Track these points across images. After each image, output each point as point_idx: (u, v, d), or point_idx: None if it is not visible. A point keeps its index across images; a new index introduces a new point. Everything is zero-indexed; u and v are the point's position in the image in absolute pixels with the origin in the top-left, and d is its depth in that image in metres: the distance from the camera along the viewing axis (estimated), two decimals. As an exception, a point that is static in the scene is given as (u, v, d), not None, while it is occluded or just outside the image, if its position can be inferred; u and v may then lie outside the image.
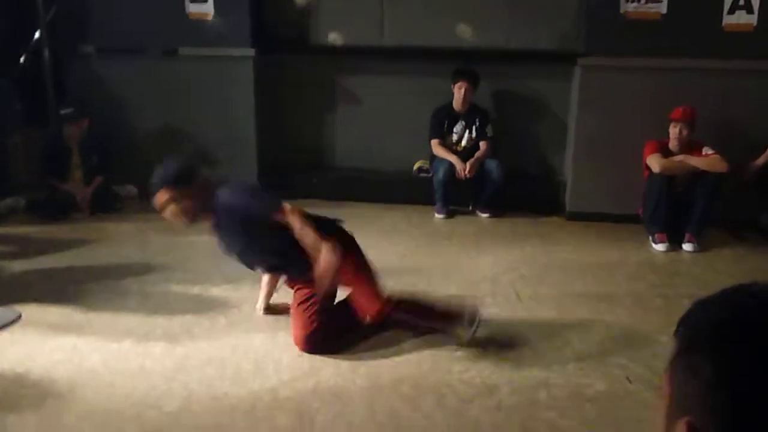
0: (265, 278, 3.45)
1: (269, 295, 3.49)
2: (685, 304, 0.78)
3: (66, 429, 2.50)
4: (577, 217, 5.34)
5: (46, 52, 5.81)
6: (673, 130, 4.80)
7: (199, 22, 5.61)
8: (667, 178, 4.72)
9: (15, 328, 3.27)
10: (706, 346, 0.76)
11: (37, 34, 5.82)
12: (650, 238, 4.81)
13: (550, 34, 5.56)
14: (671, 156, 4.79)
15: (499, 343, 3.23)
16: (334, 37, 5.59)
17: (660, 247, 4.70)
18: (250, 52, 5.60)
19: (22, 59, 5.89)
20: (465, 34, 5.51)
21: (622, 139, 5.15)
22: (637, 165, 4.95)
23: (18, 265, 4.17)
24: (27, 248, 4.52)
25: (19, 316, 0.78)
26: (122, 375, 2.88)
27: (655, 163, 4.76)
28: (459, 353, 3.10)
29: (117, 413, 2.59)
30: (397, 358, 3.05)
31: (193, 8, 5.60)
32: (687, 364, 0.78)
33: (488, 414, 2.63)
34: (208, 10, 5.58)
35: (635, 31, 5.05)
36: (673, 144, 4.82)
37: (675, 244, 4.72)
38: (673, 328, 0.86)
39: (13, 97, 5.91)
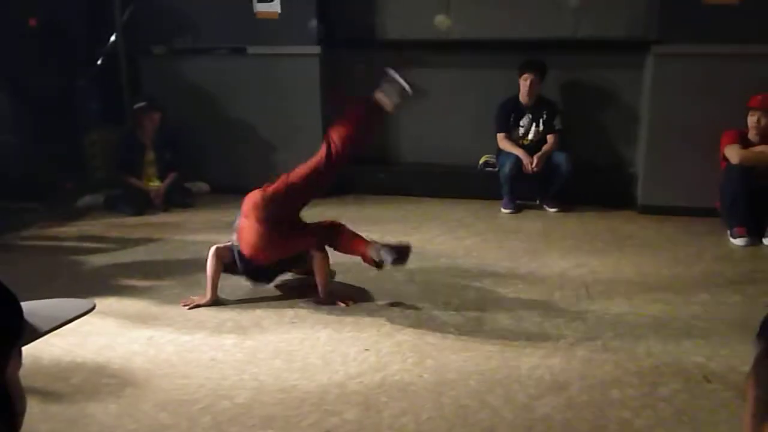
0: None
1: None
2: (766, 302, 0.74)
3: (143, 417, 2.58)
4: (649, 210, 5.18)
5: (122, 53, 6.02)
6: (752, 119, 4.60)
7: (267, 21, 5.70)
8: (746, 170, 4.52)
9: (95, 320, 3.41)
10: None
11: (113, 37, 6.04)
12: (728, 232, 4.62)
13: (621, 21, 5.40)
14: (750, 146, 4.59)
15: (569, 339, 3.16)
16: (440, 20, 5.51)
17: (739, 242, 4.51)
18: (316, 49, 5.66)
19: (99, 61, 6.12)
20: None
21: (698, 129, 4.95)
22: (714, 156, 4.76)
23: (97, 260, 4.34)
24: (105, 243, 4.70)
25: (94, 307, 0.81)
26: (195, 366, 2.96)
27: (733, 154, 4.57)
28: (528, 349, 3.06)
29: (191, 403, 2.67)
30: (464, 353, 3.02)
31: (260, 8, 5.70)
32: None
33: (558, 411, 2.58)
34: (275, 9, 5.67)
35: (712, 17, 4.84)
36: (752, 134, 4.62)
37: (755, 237, 4.52)
38: (754, 326, 0.84)
39: (90, 97, 6.17)
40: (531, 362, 2.94)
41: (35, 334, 0.78)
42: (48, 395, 2.69)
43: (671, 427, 2.48)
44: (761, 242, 4.51)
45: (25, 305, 0.79)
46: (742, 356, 2.91)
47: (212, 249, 3.59)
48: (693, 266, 4.14)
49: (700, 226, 4.85)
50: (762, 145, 4.56)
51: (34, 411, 2.56)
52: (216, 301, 3.59)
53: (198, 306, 3.55)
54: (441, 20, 5.51)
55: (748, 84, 4.73)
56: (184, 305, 3.56)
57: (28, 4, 5.45)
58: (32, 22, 5.46)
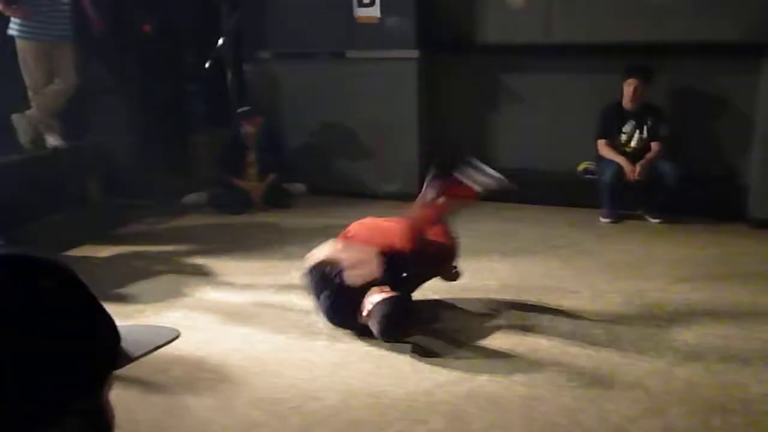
0: None
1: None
2: None
3: (237, 413, 2.67)
4: (763, 224, 4.87)
5: (229, 58, 6.26)
6: None
7: (367, 26, 5.76)
8: None
9: (196, 315, 3.57)
10: None
11: (220, 41, 6.29)
12: None
13: (735, 23, 5.10)
14: None
15: (669, 359, 3.02)
16: (583, 167, 5.47)
17: None
18: (415, 53, 5.67)
19: (206, 65, 6.39)
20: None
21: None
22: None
23: (199, 257, 4.53)
24: (207, 240, 4.89)
25: (178, 335, 0.83)
26: (288, 366, 3.03)
27: None
28: (624, 368, 2.94)
29: (282, 402, 2.74)
30: (555, 367, 2.95)
31: (361, 12, 5.77)
32: None
33: (655, 435, 2.47)
34: (375, 13, 5.73)
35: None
36: None
37: None
38: None
39: (197, 101, 6.45)
40: (627, 381, 2.84)
41: (128, 359, 0.82)
42: (148, 386, 2.83)
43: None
44: None
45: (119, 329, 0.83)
46: None
47: None
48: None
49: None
50: None
51: (134, 400, 2.70)
52: None
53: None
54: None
55: None
56: None
57: (143, 11, 5.75)
58: (146, 28, 5.76)
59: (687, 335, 3.25)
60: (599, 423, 2.56)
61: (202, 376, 2.95)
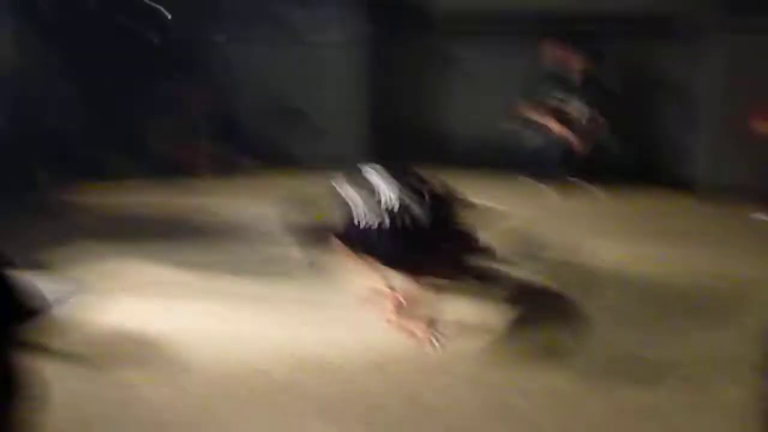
0: None
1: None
2: None
3: (187, 394, 2.58)
4: (705, 194, 4.99)
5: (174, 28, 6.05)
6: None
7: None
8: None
9: (138, 291, 3.42)
10: None
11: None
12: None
13: (681, 4, 5.18)
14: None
15: (605, 323, 3.06)
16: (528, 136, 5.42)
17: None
18: (370, 32, 5.65)
19: (157, 45, 6.16)
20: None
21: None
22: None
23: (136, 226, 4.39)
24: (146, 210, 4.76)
25: (77, 288, 0.78)
26: (236, 340, 2.96)
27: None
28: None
29: (233, 377, 2.67)
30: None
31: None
32: None
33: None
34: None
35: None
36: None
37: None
38: None
39: (141, 72, 6.20)
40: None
41: (32, 313, 0.76)
42: (95, 373, 2.69)
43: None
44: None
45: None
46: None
47: None
48: (744, 252, 3.96)
49: (756, 209, 4.63)
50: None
51: (85, 393, 2.56)
52: None
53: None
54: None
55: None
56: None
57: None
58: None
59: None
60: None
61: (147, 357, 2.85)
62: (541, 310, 3.23)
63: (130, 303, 3.26)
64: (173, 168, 5.54)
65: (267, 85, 5.94)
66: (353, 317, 3.16)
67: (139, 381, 2.64)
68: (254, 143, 5.96)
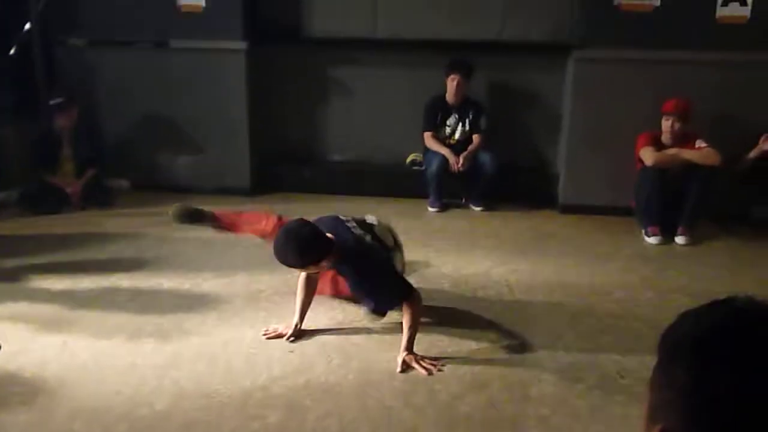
0: (300, 297, 3.27)
1: (303, 316, 3.27)
2: (676, 298, 0.78)
3: (56, 426, 2.49)
4: (570, 209, 5.34)
5: (37, 44, 5.76)
6: (666, 123, 4.79)
7: (191, 14, 5.56)
8: (660, 171, 4.72)
9: (5, 326, 3.26)
10: (685, 357, 0.81)
11: (27, 26, 5.77)
12: (643, 231, 4.81)
13: (544, 25, 5.54)
14: (664, 149, 4.79)
15: (490, 338, 3.22)
16: (412, 158, 5.61)
17: (652, 240, 4.71)
18: (242, 44, 5.56)
19: (11, 51, 5.84)
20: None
21: (616, 131, 5.15)
22: (631, 157, 4.95)
23: (9, 261, 4.14)
24: (18, 243, 4.49)
25: None
26: (112, 372, 2.86)
27: (647, 156, 4.76)
28: (450, 349, 3.10)
29: (107, 410, 2.58)
30: (388, 354, 3.04)
31: (184, 0, 5.55)
32: (666, 373, 0.83)
33: (479, 410, 2.63)
34: (199, 2, 5.54)
35: (629, 23, 5.04)
36: (665, 137, 4.81)
37: (668, 236, 4.72)
38: (665, 323, 0.90)
39: (2, 91, 5.87)
40: (454, 362, 2.99)
41: None
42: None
43: (587, 423, 2.57)
44: (673, 241, 4.71)
45: None
46: (654, 353, 3.03)
47: (302, 275, 3.28)
48: (609, 263, 4.30)
49: (617, 224, 5.03)
50: (675, 147, 4.76)
51: None
52: (300, 333, 3.21)
53: (279, 336, 3.17)
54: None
55: (663, 88, 4.94)
56: (265, 334, 3.19)
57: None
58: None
59: (507, 314, 3.49)
60: (430, 402, 2.68)
61: (15, 391, 2.71)
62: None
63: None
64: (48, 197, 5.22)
65: (133, 94, 5.74)
66: (239, 346, 3.14)
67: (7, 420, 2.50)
68: (130, 163, 5.77)
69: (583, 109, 5.27)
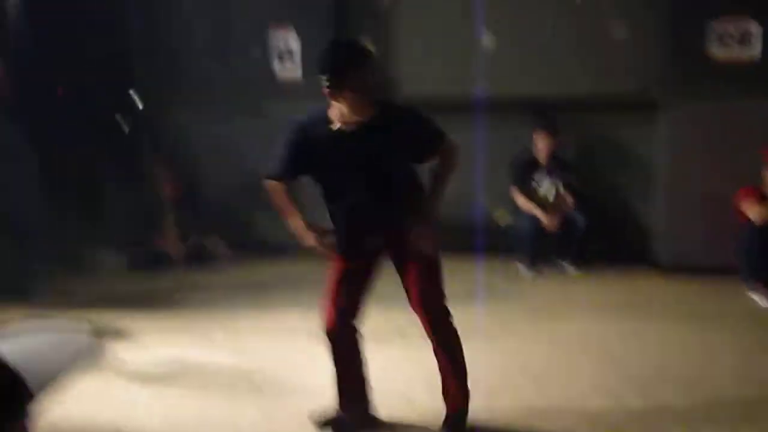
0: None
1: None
2: None
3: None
4: (668, 269, 5.14)
5: (143, 114, 6.17)
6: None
7: (287, 83, 5.83)
8: (765, 226, 4.50)
9: (114, 381, 3.40)
10: None
11: (134, 98, 6.19)
12: (749, 289, 4.57)
13: (633, 81, 5.46)
14: (767, 202, 4.58)
15: (592, 403, 3.11)
16: (500, 215, 5.63)
17: (759, 299, 4.46)
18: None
19: (121, 123, 6.26)
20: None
21: (714, 186, 4.95)
22: (732, 214, 4.74)
23: (117, 320, 4.35)
24: (124, 302, 4.72)
25: (100, 349, 0.76)
26: (212, 429, 2.93)
27: (751, 210, 4.56)
28: (550, 414, 3.01)
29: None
30: (482, 423, 2.97)
31: (281, 70, 5.84)
32: None
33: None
34: (296, 72, 5.81)
35: (724, 76, 4.90)
36: (768, 189, 4.61)
37: (776, 294, 4.47)
38: None
39: (113, 159, 6.28)
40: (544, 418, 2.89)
41: (34, 396, 0.77)
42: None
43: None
44: (783, 298, 4.45)
45: (20, 357, 0.78)
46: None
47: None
48: (716, 324, 4.08)
49: (720, 284, 4.78)
50: (780, 201, 4.55)
51: None
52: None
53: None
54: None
55: (762, 141, 4.74)
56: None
57: (55, 73, 5.61)
58: (59, 92, 5.64)
59: (607, 377, 3.36)
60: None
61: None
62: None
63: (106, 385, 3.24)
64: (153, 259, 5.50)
65: (231, 160, 5.97)
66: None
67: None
68: (229, 226, 5.99)
69: (678, 164, 5.12)
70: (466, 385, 2.85)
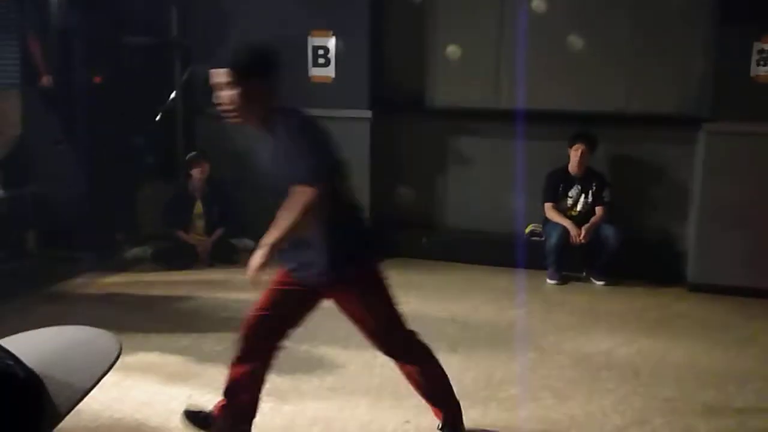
0: None
1: None
2: None
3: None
4: (700, 288, 5.03)
5: (180, 112, 6.24)
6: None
7: (320, 85, 5.84)
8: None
9: (136, 374, 3.43)
10: None
11: (172, 95, 6.26)
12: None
13: (671, 97, 5.38)
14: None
15: (615, 422, 3.05)
16: (452, 51, 5.58)
17: (795, 326, 4.35)
18: (368, 113, 5.76)
19: (157, 117, 6.34)
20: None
21: (752, 207, 4.86)
22: (768, 235, 4.64)
23: (141, 313, 4.39)
24: (150, 297, 4.76)
25: (118, 356, 0.74)
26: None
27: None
28: (573, 431, 2.95)
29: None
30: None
31: (315, 72, 5.85)
32: None
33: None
34: (329, 73, 5.82)
35: (765, 96, 4.80)
36: (809, 214, 4.49)
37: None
38: None
39: (146, 153, 6.36)
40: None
41: (57, 416, 0.75)
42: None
43: None
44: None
45: (39, 366, 0.75)
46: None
47: None
48: (747, 349, 3.99)
49: (755, 306, 4.68)
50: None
51: None
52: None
53: None
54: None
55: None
56: None
57: (95, 62, 5.70)
58: (97, 80, 5.70)
59: (633, 399, 3.29)
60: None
61: (141, 440, 2.83)
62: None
63: (127, 379, 3.25)
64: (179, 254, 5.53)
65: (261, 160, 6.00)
66: (352, 412, 3.14)
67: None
68: (255, 224, 6.01)
69: (716, 183, 5.01)
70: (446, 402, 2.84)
